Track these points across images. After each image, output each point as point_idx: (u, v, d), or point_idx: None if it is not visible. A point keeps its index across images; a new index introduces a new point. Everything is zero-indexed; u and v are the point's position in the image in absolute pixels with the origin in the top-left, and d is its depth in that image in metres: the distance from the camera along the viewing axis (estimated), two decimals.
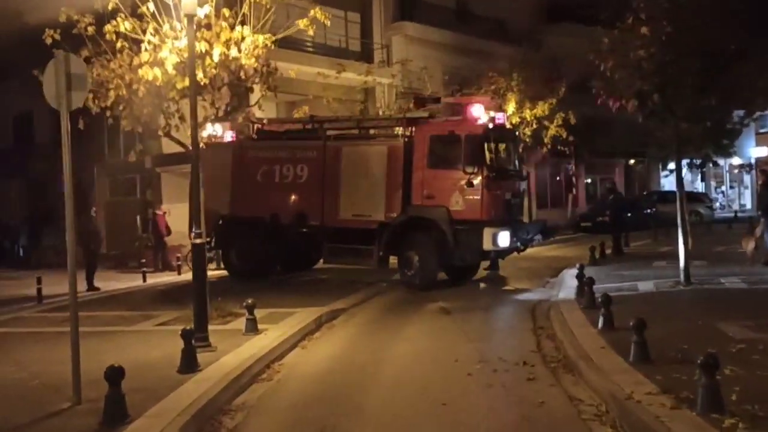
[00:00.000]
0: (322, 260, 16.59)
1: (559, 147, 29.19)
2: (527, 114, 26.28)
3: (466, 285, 15.50)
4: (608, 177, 38.77)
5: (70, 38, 10.21)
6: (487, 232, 13.84)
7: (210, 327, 10.26)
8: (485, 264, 16.36)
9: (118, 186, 27.24)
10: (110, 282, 17.75)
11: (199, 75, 9.95)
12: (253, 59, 10.16)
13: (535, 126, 26.86)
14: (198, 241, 9.10)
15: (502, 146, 14.99)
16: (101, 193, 27.02)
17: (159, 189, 24.42)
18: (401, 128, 15.67)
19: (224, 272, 17.51)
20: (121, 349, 9.22)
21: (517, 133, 17.21)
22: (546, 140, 27.97)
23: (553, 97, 26.43)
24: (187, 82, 9.68)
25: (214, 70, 10.06)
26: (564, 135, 27.17)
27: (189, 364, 7.76)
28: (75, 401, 6.64)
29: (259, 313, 11.20)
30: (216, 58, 9.93)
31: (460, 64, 28.01)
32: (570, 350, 8.68)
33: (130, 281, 18.10)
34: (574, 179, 36.77)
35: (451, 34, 29.36)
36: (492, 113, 14.60)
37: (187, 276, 17.31)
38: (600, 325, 9.30)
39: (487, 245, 13.90)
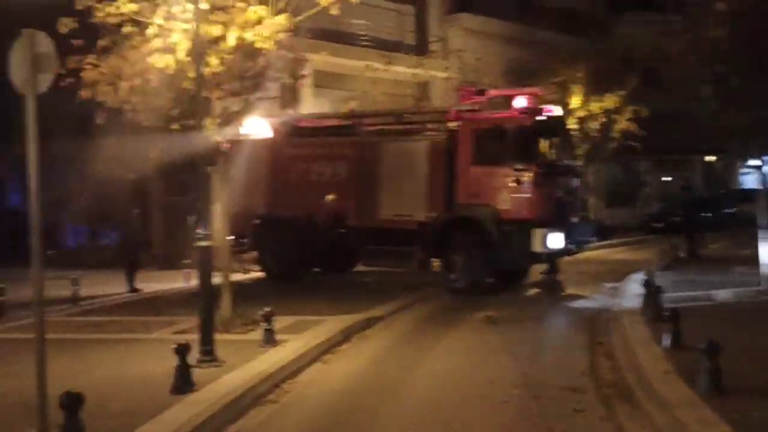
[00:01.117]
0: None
1: (629, 142, 27.43)
2: (594, 107, 24.67)
3: (518, 291, 14.31)
4: (683, 174, 36.44)
5: (87, 28, 9.61)
6: (537, 233, 12.70)
7: (228, 336, 9.52)
8: (541, 267, 15.11)
9: (173, 186, 27.11)
10: (153, 283, 17.30)
11: (214, 62, 9.14)
12: (271, 43, 9.24)
13: (602, 120, 25.24)
14: (204, 243, 8.24)
15: (553, 140, 13.80)
16: (157, 192, 26.96)
17: (209, 188, 24.02)
18: (444, 122, 14.56)
19: (262, 274, 16.76)
20: (124, 362, 8.47)
21: (567, 125, 15.89)
22: (615, 135, 26.29)
23: (622, 89, 24.72)
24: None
25: (229, 56, 9.21)
26: (634, 129, 25.44)
27: (183, 383, 6.88)
28: (41, 429, 5.81)
29: (284, 321, 10.38)
30: (232, 43, 9.07)
31: (522, 56, 26.59)
32: (628, 374, 7.46)
33: (174, 282, 17.62)
34: (645, 176, 34.66)
35: (513, 25, 27.95)
36: (543, 105, 13.41)
37: (233, 277, 16.77)
38: (666, 343, 7.98)
39: (537, 247, 12.77)
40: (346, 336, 10.08)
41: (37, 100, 5.82)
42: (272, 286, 14.93)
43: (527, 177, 12.87)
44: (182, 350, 6.98)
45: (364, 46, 22.28)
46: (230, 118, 10.50)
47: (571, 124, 22.96)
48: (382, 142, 14.79)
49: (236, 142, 15.32)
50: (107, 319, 11.95)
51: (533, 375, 7.78)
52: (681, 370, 6.89)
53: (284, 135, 16.27)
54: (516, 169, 12.87)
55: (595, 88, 24.68)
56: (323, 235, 15.04)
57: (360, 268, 16.74)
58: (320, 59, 13.87)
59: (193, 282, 17.03)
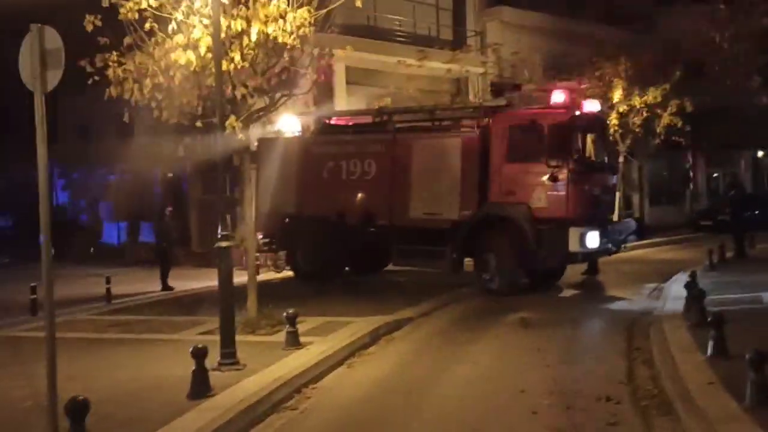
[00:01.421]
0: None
1: (674, 137, 26.50)
2: (636, 101, 23.89)
3: (554, 292, 13.82)
4: (731, 170, 35.17)
5: (115, 26, 9.51)
6: (574, 232, 12.23)
7: (253, 338, 9.37)
8: (580, 267, 14.61)
9: (210, 183, 27.19)
10: (187, 281, 17.29)
11: (237, 57, 8.93)
12: (293, 36, 8.98)
13: (645, 114, 24.44)
14: (224, 244, 8.04)
15: (590, 136, 13.29)
16: (194, 191, 27.08)
17: (236, 187, 24.02)
18: (477, 119, 14.14)
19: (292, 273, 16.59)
20: (145, 363, 8.34)
21: (607, 121, 15.27)
22: (659, 130, 25.45)
23: (666, 83, 23.88)
24: (224, 67, 8.67)
25: (252, 52, 8.99)
26: (679, 124, 24.58)
27: (199, 388, 6.69)
28: None
29: (311, 322, 10.18)
30: (254, 38, 8.84)
31: (563, 50, 25.89)
32: (668, 384, 6.98)
33: (209, 281, 17.58)
34: (691, 173, 33.53)
35: (553, 17, 27.25)
36: (582, 100, 12.93)
37: (266, 276, 16.66)
38: (710, 351, 7.47)
39: (573, 246, 12.31)
40: (373, 338, 9.80)
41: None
42: (301, 286, 14.72)
43: (563, 174, 12.42)
44: (199, 354, 6.79)
45: (399, 41, 21.93)
46: (256, 116, 10.30)
47: (613, 119, 22.32)
48: (414, 140, 14.45)
49: (265, 140, 15.24)
50: (135, 319, 11.91)
51: (566, 383, 7.37)
52: (725, 380, 6.41)
53: (314, 133, 16.07)
54: (552, 167, 12.42)
55: (638, 81, 23.93)
56: (354, 234, 14.79)
57: (391, 268, 16.45)
58: (351, 55, 13.65)
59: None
